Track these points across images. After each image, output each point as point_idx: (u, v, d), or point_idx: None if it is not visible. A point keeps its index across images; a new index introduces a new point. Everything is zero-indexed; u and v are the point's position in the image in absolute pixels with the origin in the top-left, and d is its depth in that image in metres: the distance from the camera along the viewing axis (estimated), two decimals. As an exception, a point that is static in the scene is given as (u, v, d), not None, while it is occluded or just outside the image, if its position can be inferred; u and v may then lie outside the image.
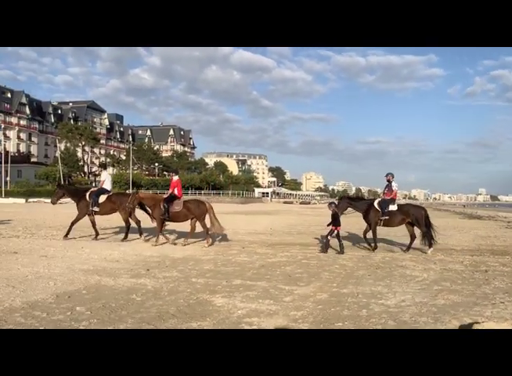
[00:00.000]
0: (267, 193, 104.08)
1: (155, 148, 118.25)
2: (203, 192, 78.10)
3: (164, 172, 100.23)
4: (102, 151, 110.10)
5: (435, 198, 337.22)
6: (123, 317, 4.63)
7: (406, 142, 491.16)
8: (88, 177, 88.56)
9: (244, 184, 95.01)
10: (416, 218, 10.92)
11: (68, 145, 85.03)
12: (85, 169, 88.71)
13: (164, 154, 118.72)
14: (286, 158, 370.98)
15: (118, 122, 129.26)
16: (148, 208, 11.87)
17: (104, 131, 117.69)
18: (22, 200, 46.35)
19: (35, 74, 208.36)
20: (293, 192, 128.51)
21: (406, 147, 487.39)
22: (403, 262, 8.98)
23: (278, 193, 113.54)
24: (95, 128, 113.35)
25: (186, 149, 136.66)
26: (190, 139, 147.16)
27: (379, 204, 11.10)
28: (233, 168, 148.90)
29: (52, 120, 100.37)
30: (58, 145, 71.75)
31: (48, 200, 53.54)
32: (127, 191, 74.24)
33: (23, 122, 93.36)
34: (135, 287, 6.13)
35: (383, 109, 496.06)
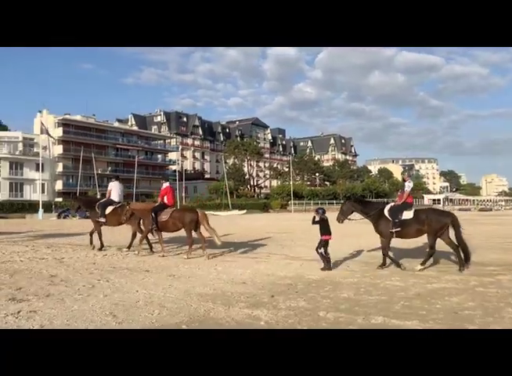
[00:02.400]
0: (438, 200, 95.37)
1: (315, 158, 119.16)
2: (365, 200, 75.25)
3: (326, 182, 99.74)
4: (267, 164, 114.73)
5: None
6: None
7: None
8: (254, 190, 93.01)
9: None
10: (438, 228, 8.50)
11: (235, 160, 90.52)
12: (251, 182, 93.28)
13: (325, 164, 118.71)
14: (460, 160, 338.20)
15: (280, 136, 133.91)
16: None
17: (268, 145, 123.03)
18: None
19: (211, 100, 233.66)
20: (471, 197, 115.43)
21: None
22: None
23: (451, 200, 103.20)
24: (259, 143, 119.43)
25: (348, 157, 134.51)
26: (351, 146, 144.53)
27: (389, 211, 8.77)
28: (399, 174, 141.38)
29: (221, 138, 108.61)
30: (223, 161, 76.77)
31: (216, 213, 57.45)
32: (289, 202, 75.73)
33: (196, 142, 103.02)
34: (246, 321, 4.99)
35: None
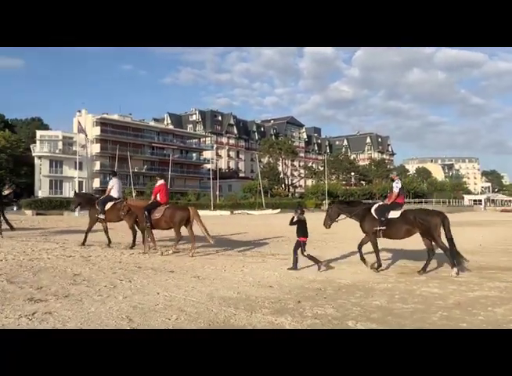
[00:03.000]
0: (479, 201, 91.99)
1: (351, 157, 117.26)
2: (402, 201, 73.29)
3: (361, 182, 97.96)
4: (301, 163, 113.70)
5: None
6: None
7: None
8: (288, 189, 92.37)
9: (450, 191, 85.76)
10: (427, 228, 8.31)
11: (269, 159, 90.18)
12: (285, 182, 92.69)
13: (361, 163, 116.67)
14: (503, 160, 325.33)
15: (316, 135, 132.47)
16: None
17: (302, 144, 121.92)
18: (227, 213, 50.27)
19: (247, 99, 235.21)
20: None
21: None
22: None
23: (493, 200, 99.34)
24: (294, 142, 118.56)
25: (384, 156, 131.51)
26: (388, 145, 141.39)
27: (376, 210, 8.76)
28: (438, 173, 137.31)
29: (256, 137, 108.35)
30: (257, 160, 76.50)
31: (250, 212, 57.34)
32: (323, 202, 74.76)
33: (231, 141, 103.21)
34: (267, 329, 4.64)
35: None
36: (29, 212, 41.56)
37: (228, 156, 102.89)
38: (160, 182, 11.18)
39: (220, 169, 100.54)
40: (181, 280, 7.40)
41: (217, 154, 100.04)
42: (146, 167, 70.35)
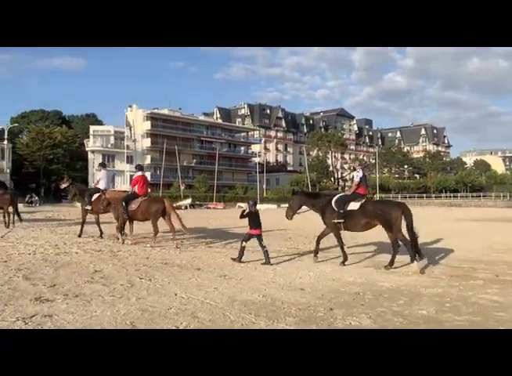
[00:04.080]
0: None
1: (405, 149, 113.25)
2: (459, 195, 69.44)
3: (415, 175, 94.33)
4: (352, 156, 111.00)
5: None
6: None
7: None
8: (338, 182, 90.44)
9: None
10: (386, 220, 7.83)
11: (318, 152, 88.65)
12: (335, 175, 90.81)
13: (415, 155, 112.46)
14: None
15: (367, 127, 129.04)
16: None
17: (353, 136, 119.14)
18: (274, 206, 49.67)
19: (298, 92, 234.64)
20: None
21: None
22: None
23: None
24: (344, 134, 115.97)
25: (440, 148, 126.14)
26: (444, 137, 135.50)
27: (336, 202, 8.38)
28: (498, 166, 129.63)
29: (305, 130, 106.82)
30: (304, 153, 75.28)
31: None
32: (374, 196, 72.55)
33: (279, 134, 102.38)
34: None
35: None
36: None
37: (277, 149, 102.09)
38: (139, 173, 11.19)
39: (268, 163, 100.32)
40: (205, 280, 6.81)
41: (265, 148, 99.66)
42: (194, 161, 70.97)
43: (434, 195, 70.20)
